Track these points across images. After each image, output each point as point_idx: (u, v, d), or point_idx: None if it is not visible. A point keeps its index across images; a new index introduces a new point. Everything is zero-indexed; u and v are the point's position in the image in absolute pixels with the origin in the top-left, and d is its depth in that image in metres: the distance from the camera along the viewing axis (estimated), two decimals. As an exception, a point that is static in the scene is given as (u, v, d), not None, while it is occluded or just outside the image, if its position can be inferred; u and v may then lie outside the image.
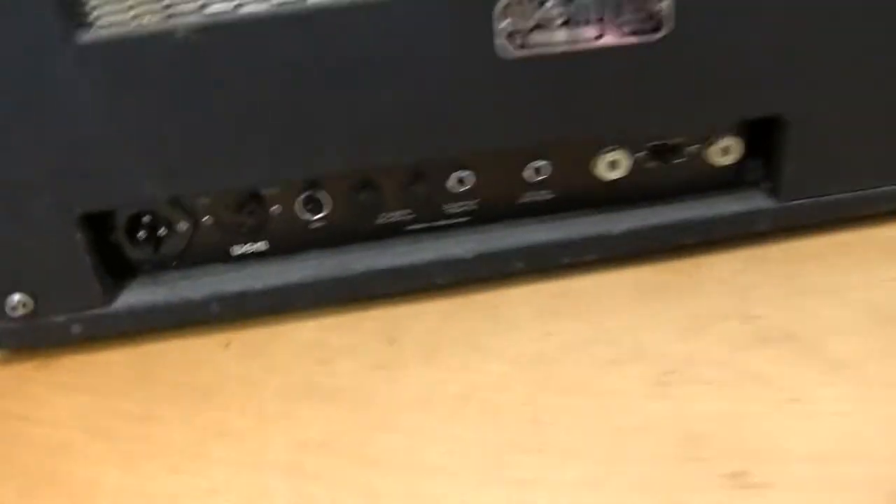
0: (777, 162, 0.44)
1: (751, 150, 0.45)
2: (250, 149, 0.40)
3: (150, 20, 0.37)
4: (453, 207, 0.45)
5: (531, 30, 0.39)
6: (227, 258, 0.44)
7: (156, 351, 0.43)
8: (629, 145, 0.44)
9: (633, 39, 0.40)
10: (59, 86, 0.37)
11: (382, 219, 0.45)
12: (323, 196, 0.43)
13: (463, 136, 0.41)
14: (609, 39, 0.40)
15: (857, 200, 0.46)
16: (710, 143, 0.44)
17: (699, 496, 0.33)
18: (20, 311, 0.41)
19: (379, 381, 0.40)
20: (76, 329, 0.42)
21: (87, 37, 0.36)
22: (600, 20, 0.39)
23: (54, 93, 0.37)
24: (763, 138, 0.45)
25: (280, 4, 0.37)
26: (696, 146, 0.45)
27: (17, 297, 0.41)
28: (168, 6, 0.37)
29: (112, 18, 0.37)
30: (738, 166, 0.46)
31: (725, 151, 0.45)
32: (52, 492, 0.36)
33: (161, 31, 0.37)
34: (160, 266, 0.44)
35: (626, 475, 0.34)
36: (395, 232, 0.45)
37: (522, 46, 0.39)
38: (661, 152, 0.45)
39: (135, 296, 0.43)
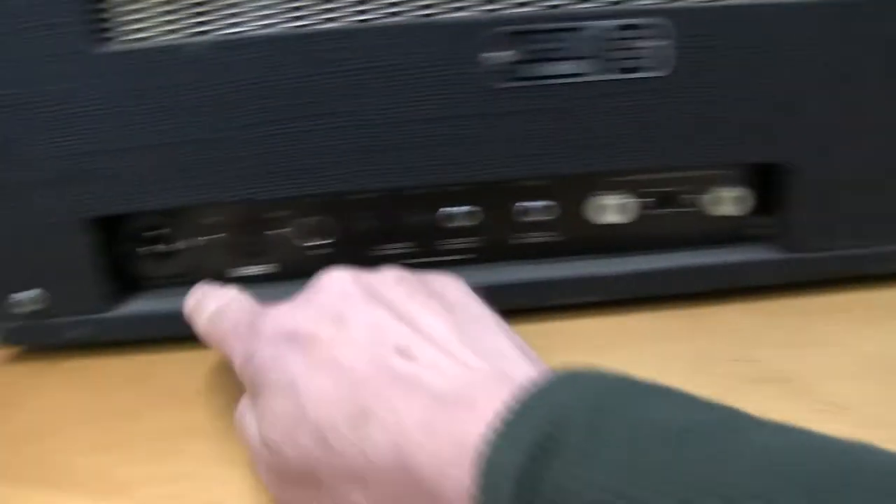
0: (783, 213, 0.44)
1: (763, 206, 0.45)
2: (249, 164, 0.41)
3: (167, 38, 0.40)
4: (452, 244, 0.45)
5: (521, 62, 0.40)
6: (230, 279, 0.45)
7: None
8: (632, 190, 0.44)
9: (624, 76, 0.41)
10: (79, 93, 0.39)
11: (380, 251, 0.45)
12: (324, 223, 0.44)
13: (453, 166, 0.42)
14: (599, 75, 0.41)
15: (864, 258, 0.45)
16: (716, 192, 0.44)
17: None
18: (27, 309, 0.43)
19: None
20: (78, 331, 0.44)
21: (107, 49, 0.39)
22: (593, 56, 0.41)
23: (74, 99, 0.39)
24: (773, 191, 0.44)
25: (285, 28, 0.40)
26: (704, 195, 0.45)
27: (25, 295, 0.43)
28: (189, 25, 0.40)
29: (134, 35, 0.40)
30: (749, 220, 0.45)
31: (733, 202, 0.44)
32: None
33: (171, 46, 0.39)
34: (168, 281, 0.45)
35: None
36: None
37: (513, 78, 0.40)
38: (667, 200, 0.45)
39: (138, 305, 0.44)
